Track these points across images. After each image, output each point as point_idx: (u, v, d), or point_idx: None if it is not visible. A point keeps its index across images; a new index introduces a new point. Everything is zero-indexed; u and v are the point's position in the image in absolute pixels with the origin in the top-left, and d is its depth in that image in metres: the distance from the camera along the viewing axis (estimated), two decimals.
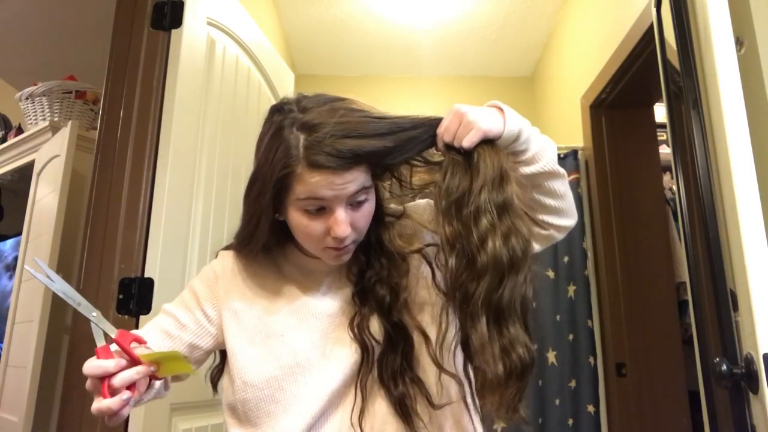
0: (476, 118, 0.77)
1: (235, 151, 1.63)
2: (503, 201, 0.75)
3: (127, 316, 1.25)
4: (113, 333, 0.68)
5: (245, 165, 1.68)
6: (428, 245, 0.89)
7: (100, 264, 1.29)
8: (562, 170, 0.84)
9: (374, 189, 0.84)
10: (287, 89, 2.11)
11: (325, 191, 0.75)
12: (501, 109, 0.80)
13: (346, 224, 0.77)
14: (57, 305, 1.60)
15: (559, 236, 0.89)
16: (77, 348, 1.26)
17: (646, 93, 2.19)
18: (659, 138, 2.30)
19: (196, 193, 1.43)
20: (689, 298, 1.16)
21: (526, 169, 0.81)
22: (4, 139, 2.24)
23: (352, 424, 0.78)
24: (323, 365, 0.80)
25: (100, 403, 0.63)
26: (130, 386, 0.65)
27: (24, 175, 2.05)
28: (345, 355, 0.81)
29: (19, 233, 1.91)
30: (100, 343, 0.67)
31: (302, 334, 0.82)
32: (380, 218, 0.89)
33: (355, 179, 0.76)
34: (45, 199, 1.79)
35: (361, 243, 0.87)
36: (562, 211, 0.86)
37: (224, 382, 0.86)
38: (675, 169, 1.19)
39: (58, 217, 1.64)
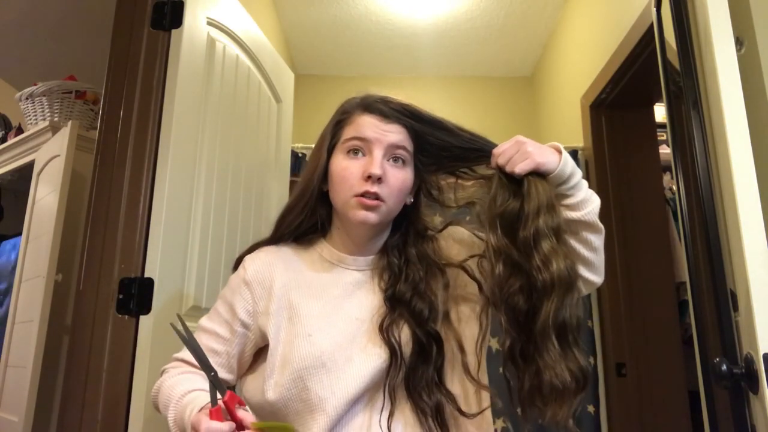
0: (534, 150, 0.82)
1: (235, 151, 1.63)
2: (558, 225, 0.80)
3: (127, 316, 1.24)
4: (223, 393, 0.72)
5: (245, 165, 1.68)
6: (471, 257, 0.92)
7: (100, 264, 1.28)
8: (600, 225, 0.87)
9: (417, 189, 0.93)
10: (287, 89, 2.11)
11: (370, 132, 0.86)
12: (560, 152, 0.84)
13: (380, 165, 0.84)
14: (57, 305, 1.60)
15: (584, 290, 0.89)
16: (77, 348, 1.26)
17: (646, 93, 2.19)
18: (659, 138, 2.30)
19: (196, 193, 1.42)
20: (689, 298, 1.16)
21: (569, 214, 0.85)
22: (4, 139, 2.24)
23: (381, 426, 0.79)
24: (349, 367, 0.81)
25: None
26: None
27: (24, 175, 2.05)
28: (372, 359, 0.82)
29: (19, 233, 1.91)
30: (214, 403, 0.71)
31: (329, 335, 0.83)
32: (420, 230, 0.94)
33: (399, 132, 0.87)
34: (45, 199, 1.79)
35: (398, 251, 0.91)
36: (592, 265, 0.88)
37: (251, 382, 0.88)
38: (675, 169, 1.19)
39: (58, 217, 1.64)
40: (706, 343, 1.09)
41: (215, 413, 0.70)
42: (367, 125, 0.87)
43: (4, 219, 2.40)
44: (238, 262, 0.96)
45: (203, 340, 0.90)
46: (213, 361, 0.87)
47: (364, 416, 0.81)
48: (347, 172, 0.86)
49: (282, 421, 0.81)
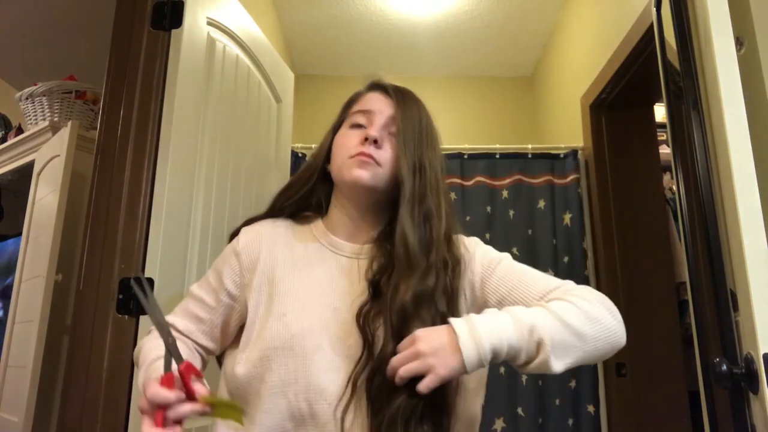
0: (435, 362, 0.71)
1: (235, 150, 1.63)
2: None
3: (127, 316, 1.24)
4: (180, 362, 0.70)
5: (245, 165, 1.68)
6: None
7: (100, 264, 1.29)
8: (563, 345, 0.73)
9: None
10: (287, 89, 2.11)
11: (374, 105, 0.91)
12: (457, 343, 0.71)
13: (378, 130, 0.88)
14: (57, 305, 1.60)
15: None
16: (77, 348, 1.26)
17: (646, 93, 2.19)
18: (659, 138, 2.30)
19: (196, 193, 1.42)
20: (689, 298, 1.16)
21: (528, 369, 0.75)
22: (4, 139, 2.24)
23: (335, 417, 0.76)
24: (316, 356, 0.79)
25: (150, 429, 0.66)
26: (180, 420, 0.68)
27: (24, 175, 2.05)
28: (341, 352, 0.80)
29: (19, 233, 1.91)
30: (167, 369, 0.70)
31: (302, 319, 0.82)
32: None
33: (397, 114, 0.90)
34: (45, 199, 1.79)
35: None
36: (594, 356, 0.80)
37: (229, 354, 0.88)
38: (675, 169, 1.19)
39: (58, 217, 1.64)
40: (706, 343, 1.09)
41: (166, 380, 0.68)
42: (373, 99, 0.93)
43: (4, 219, 2.40)
44: (234, 234, 0.96)
45: (190, 307, 0.90)
46: (197, 328, 0.88)
47: (323, 405, 0.78)
48: (350, 138, 0.90)
49: (245, 399, 0.80)
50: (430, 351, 0.71)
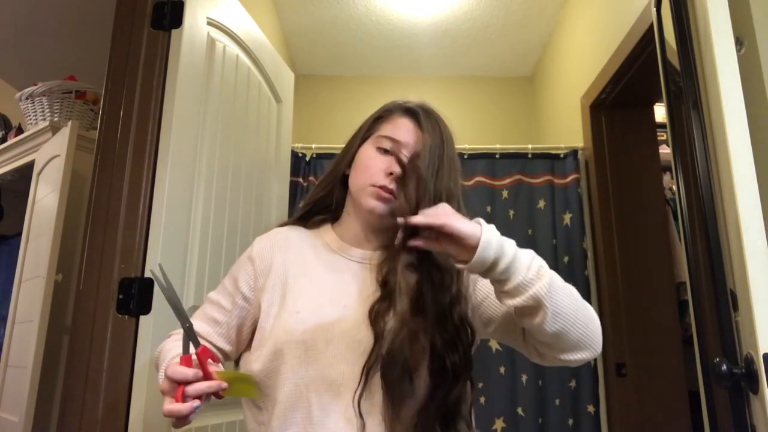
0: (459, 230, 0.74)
1: (236, 150, 1.63)
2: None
3: (127, 316, 1.24)
4: (197, 346, 0.74)
5: (245, 165, 1.68)
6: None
7: (100, 264, 1.29)
8: (554, 302, 0.78)
9: None
10: (287, 89, 2.11)
11: (404, 136, 0.92)
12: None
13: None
14: (57, 305, 1.60)
15: (560, 363, 0.84)
16: (77, 348, 1.26)
17: (646, 93, 2.19)
18: (659, 138, 2.30)
19: (196, 193, 1.43)
20: (689, 298, 1.16)
21: (509, 301, 0.78)
22: (4, 139, 2.24)
23: (353, 406, 0.80)
24: (327, 349, 0.84)
25: (172, 405, 0.69)
26: (200, 396, 0.71)
27: (24, 175, 2.05)
28: (352, 343, 0.84)
29: (19, 233, 1.91)
30: (185, 351, 0.73)
31: (315, 316, 0.87)
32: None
33: (424, 151, 0.89)
34: (45, 199, 1.79)
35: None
36: (557, 347, 0.81)
37: (245, 356, 0.92)
38: (675, 169, 1.19)
39: (58, 217, 1.64)
40: (706, 343, 1.09)
41: (184, 361, 0.72)
42: (404, 129, 0.94)
43: (4, 219, 2.40)
44: None
45: (207, 311, 0.95)
46: (214, 330, 0.92)
47: (340, 398, 0.82)
48: (372, 161, 0.92)
49: (263, 391, 0.85)
50: (453, 214, 0.75)
